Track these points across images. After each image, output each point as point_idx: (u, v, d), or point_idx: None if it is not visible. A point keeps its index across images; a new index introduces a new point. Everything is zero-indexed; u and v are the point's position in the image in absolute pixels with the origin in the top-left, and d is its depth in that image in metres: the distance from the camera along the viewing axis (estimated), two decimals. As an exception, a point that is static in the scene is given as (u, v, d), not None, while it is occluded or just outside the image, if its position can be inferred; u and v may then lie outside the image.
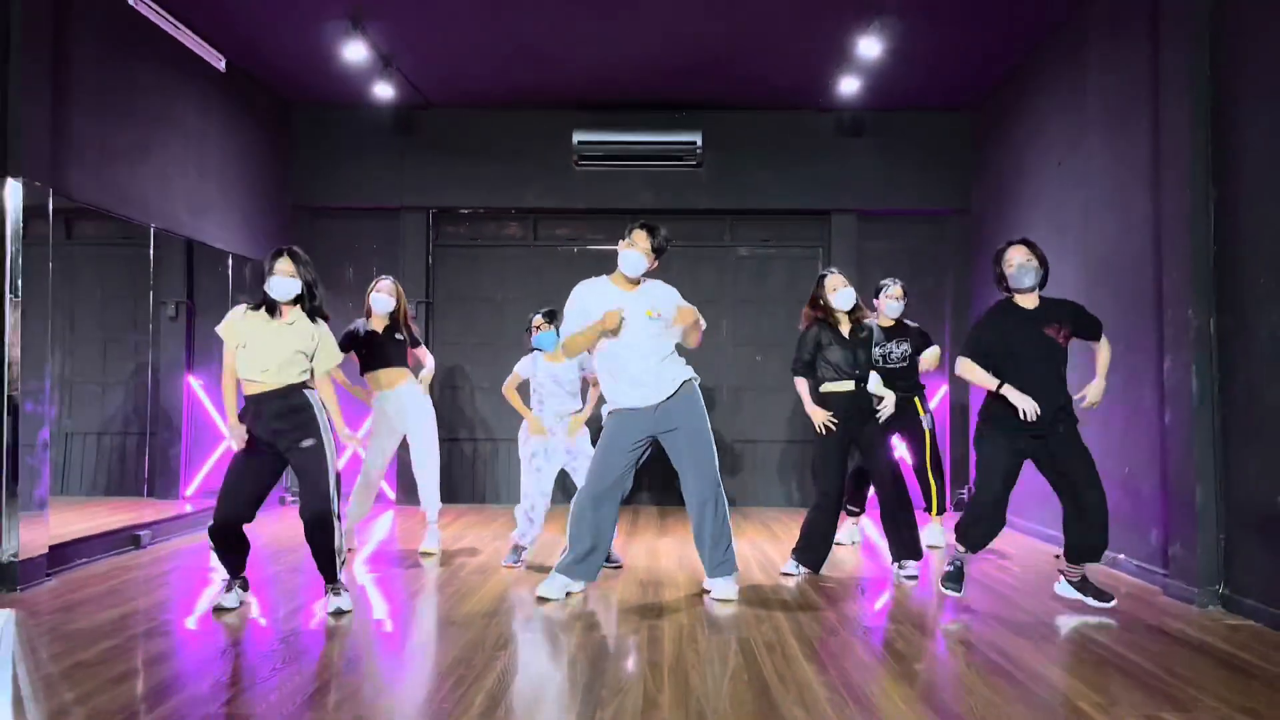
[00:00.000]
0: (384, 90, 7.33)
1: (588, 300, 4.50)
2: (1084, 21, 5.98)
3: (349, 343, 5.71)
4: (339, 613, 4.17)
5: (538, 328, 5.49)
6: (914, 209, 8.25)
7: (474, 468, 8.37)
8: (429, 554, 5.69)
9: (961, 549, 4.46)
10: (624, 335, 4.44)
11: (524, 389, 5.65)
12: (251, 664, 3.45)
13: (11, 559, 4.67)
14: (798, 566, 5.14)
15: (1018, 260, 4.29)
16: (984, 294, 7.88)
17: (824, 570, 5.19)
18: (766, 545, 6.21)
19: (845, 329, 5.09)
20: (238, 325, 4.19)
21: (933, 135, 8.15)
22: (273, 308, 4.20)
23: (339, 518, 4.21)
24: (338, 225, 8.43)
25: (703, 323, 4.59)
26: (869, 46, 6.31)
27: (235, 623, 4.03)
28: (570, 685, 3.24)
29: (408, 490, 8.12)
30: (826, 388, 5.05)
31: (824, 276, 5.16)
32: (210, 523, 4.17)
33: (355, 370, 5.98)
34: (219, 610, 4.18)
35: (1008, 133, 7.33)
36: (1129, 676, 3.36)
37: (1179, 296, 4.72)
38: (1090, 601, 4.40)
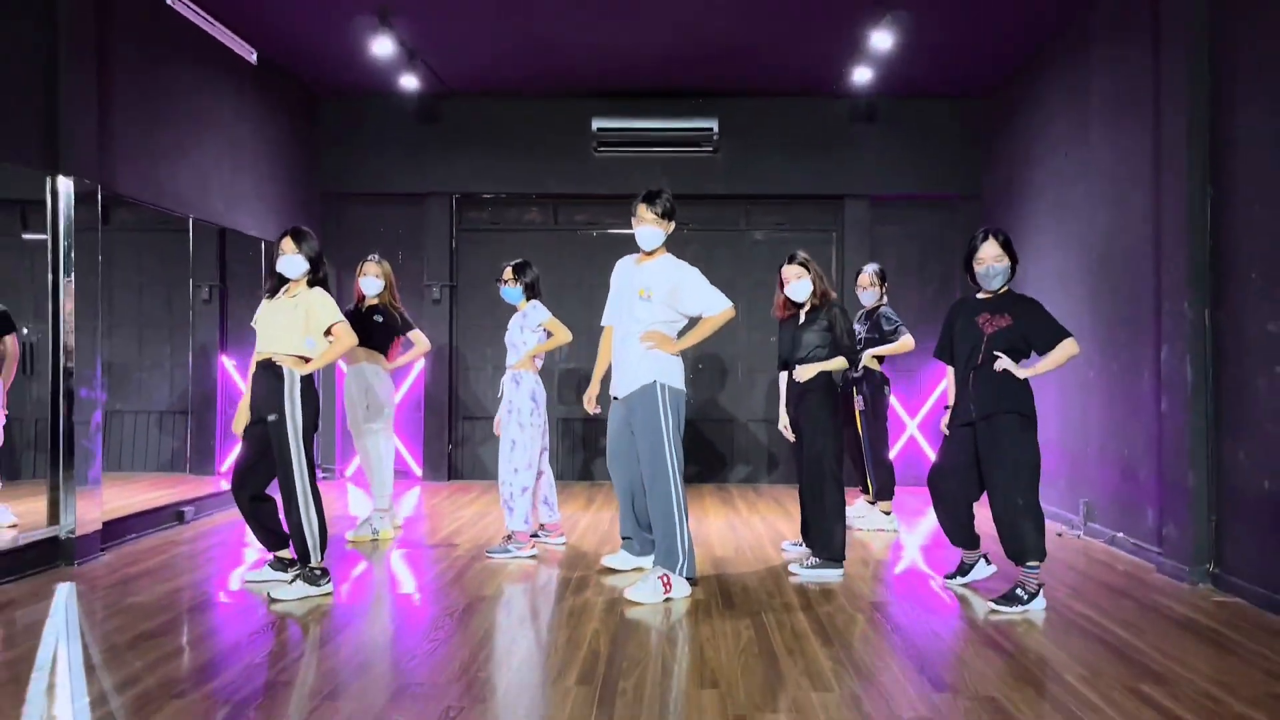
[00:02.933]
0: (409, 80, 7.53)
1: (616, 277, 4.74)
2: (1087, 19, 6.12)
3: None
4: (273, 600, 4.15)
5: (504, 281, 5.60)
6: (925, 194, 8.40)
7: (493, 445, 8.63)
8: (378, 539, 5.67)
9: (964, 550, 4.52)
10: (624, 309, 4.57)
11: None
12: (295, 637, 3.74)
13: (70, 535, 4.98)
14: (800, 545, 5.21)
15: (989, 256, 4.18)
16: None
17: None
18: (779, 522, 6.47)
19: (803, 316, 5.04)
20: (258, 311, 4.44)
21: (944, 122, 8.29)
22: (281, 286, 4.43)
23: (308, 496, 4.22)
24: (364, 211, 8.66)
25: (677, 341, 4.55)
26: (881, 39, 6.46)
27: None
28: (595, 656, 3.50)
29: (433, 466, 8.44)
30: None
31: (781, 267, 5.07)
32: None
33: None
34: (272, 601, 4.18)
35: (1017, 121, 7.47)
36: (1114, 650, 3.60)
37: (1176, 290, 4.90)
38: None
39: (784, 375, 5.12)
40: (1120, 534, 5.57)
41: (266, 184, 7.65)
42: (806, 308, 5.02)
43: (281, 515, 4.38)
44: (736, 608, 4.16)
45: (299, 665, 3.34)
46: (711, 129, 8.09)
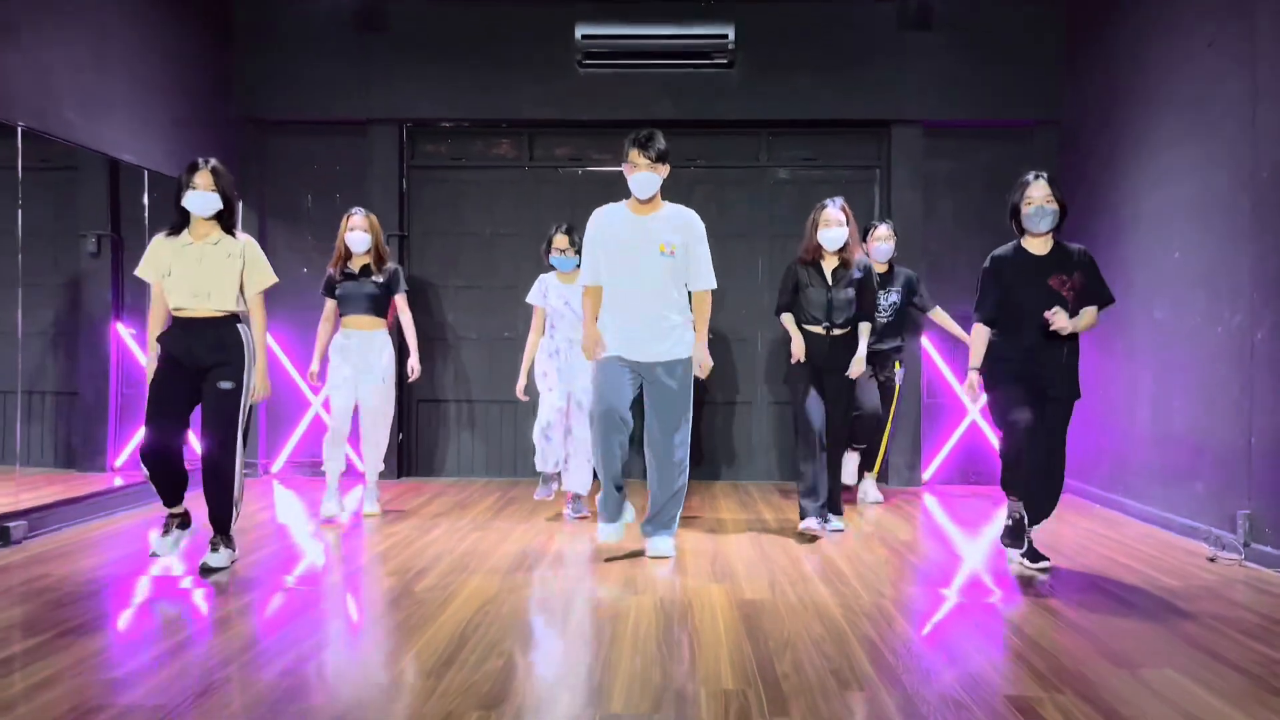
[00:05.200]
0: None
1: (603, 231, 4.39)
2: None
3: (329, 288, 5.58)
4: (207, 569, 4.04)
5: (560, 250, 5.44)
6: (992, 120, 6.82)
7: (456, 435, 7.07)
8: (371, 515, 5.49)
9: (1013, 499, 4.25)
10: (632, 266, 4.31)
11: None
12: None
13: None
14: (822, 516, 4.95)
15: (1039, 197, 4.13)
16: (1073, 230, 6.45)
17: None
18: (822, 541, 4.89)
19: (830, 268, 4.98)
20: (160, 254, 4.12)
21: (1016, 28, 6.70)
22: (185, 226, 4.13)
23: (240, 470, 4.14)
24: (294, 143, 7.06)
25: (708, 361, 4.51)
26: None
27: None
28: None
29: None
30: (804, 328, 5.03)
31: (823, 207, 4.96)
32: (142, 449, 4.03)
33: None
34: (205, 570, 4.01)
35: (1119, 18, 5.84)
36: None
37: None
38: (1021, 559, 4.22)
39: (790, 318, 5.08)
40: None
41: (152, 95, 6.02)
42: (835, 264, 4.96)
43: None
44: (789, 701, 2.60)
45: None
46: (726, 37, 6.51)
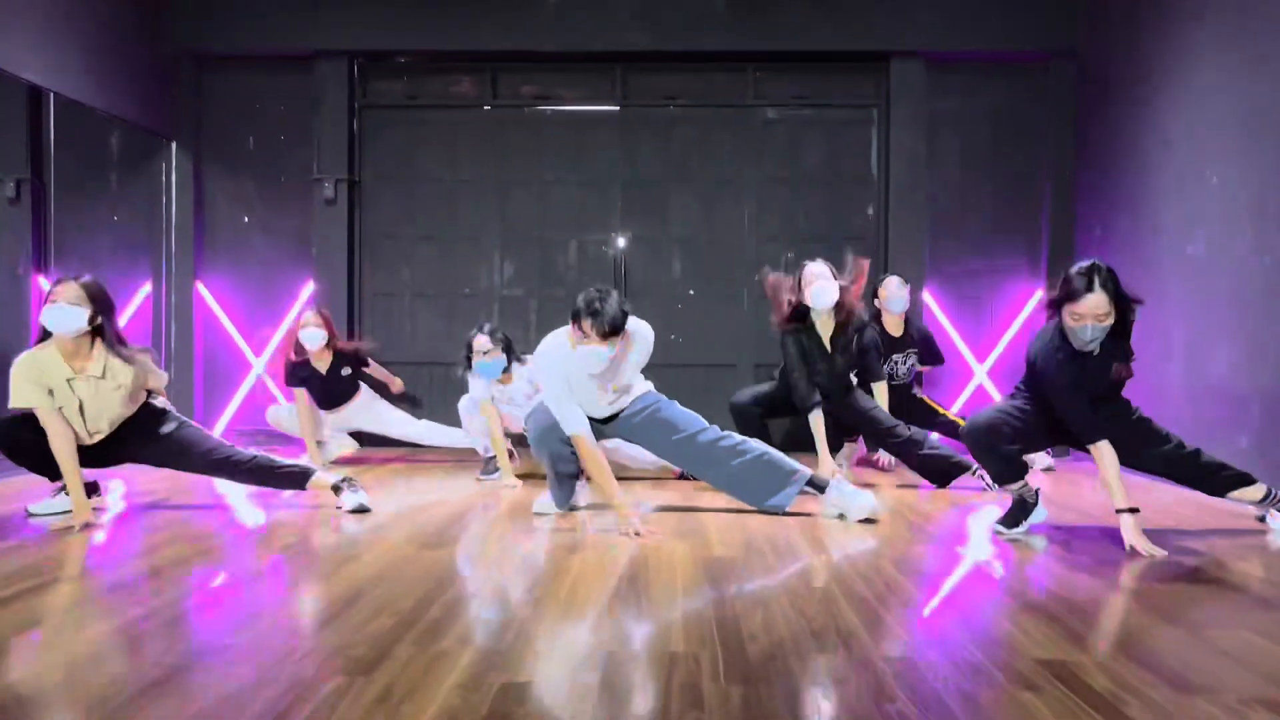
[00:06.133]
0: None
1: (571, 377, 3.68)
2: None
3: (295, 379, 5.31)
4: (359, 510, 3.82)
5: (485, 353, 4.68)
6: (1002, 52, 6.21)
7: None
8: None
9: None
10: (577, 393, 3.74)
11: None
12: None
13: None
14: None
15: (1090, 314, 3.12)
16: (1093, 168, 5.85)
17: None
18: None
19: (827, 333, 4.52)
20: (43, 382, 3.51)
21: (1030, -50, 6.07)
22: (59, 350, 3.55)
23: (239, 458, 3.84)
24: (233, 80, 6.46)
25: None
26: None
27: None
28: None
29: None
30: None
31: (802, 265, 4.52)
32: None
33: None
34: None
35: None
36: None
37: None
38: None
39: (819, 414, 4.50)
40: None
41: (66, 14, 5.37)
42: (831, 327, 4.50)
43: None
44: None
45: None
46: (708, -41, 5.87)
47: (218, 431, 6.40)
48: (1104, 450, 3.20)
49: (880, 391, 4.77)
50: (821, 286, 4.36)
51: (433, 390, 6.45)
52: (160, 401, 3.90)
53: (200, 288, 6.39)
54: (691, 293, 6.47)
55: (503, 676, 1.92)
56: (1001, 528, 3.45)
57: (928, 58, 6.19)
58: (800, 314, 4.47)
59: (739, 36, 6.19)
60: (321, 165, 6.31)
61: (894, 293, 5.11)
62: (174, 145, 6.33)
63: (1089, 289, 3.12)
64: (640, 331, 3.76)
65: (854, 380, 4.65)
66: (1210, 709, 1.77)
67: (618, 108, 6.40)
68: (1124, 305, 3.18)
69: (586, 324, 3.54)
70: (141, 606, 2.44)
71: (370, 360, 5.57)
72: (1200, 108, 4.77)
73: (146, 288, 6.34)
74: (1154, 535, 3.27)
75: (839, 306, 4.43)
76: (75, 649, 2.09)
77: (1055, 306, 3.24)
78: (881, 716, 1.73)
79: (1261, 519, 3.64)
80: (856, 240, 6.22)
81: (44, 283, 5.83)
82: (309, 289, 6.30)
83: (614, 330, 3.54)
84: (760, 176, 6.40)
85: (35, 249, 6.07)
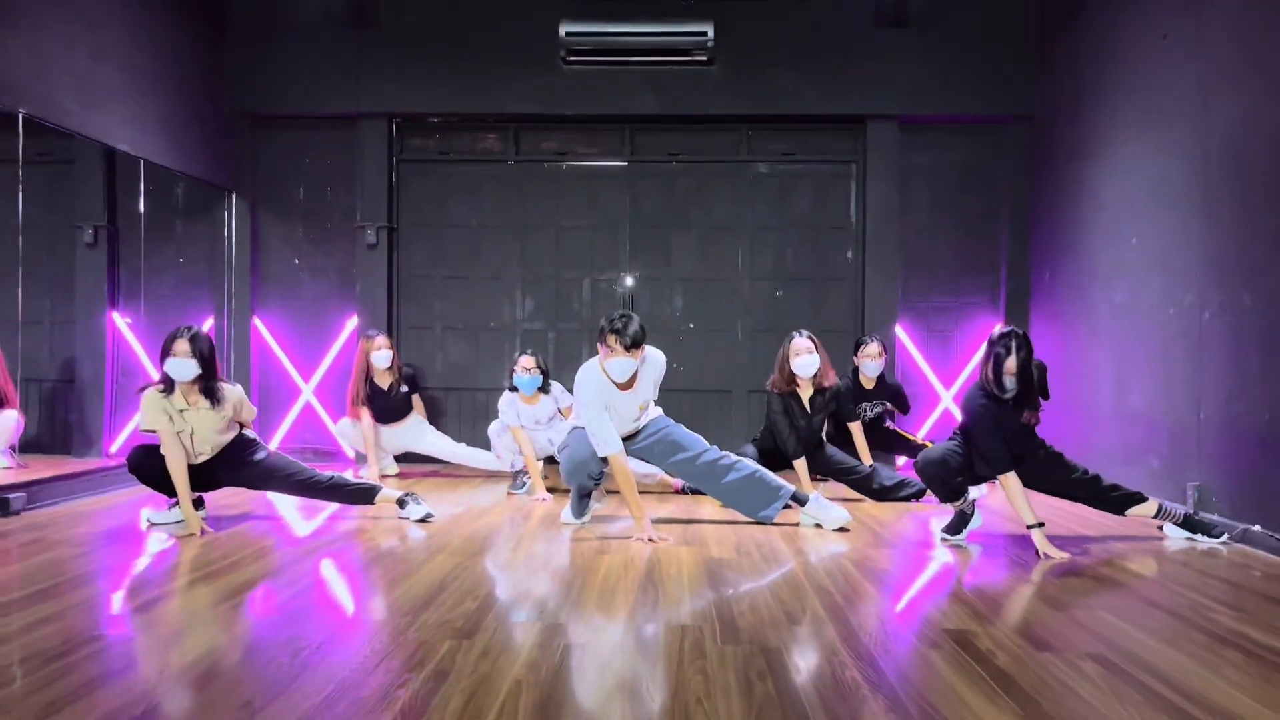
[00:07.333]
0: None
1: (606, 399, 4.37)
2: None
3: (363, 398, 6.32)
4: (426, 518, 4.65)
5: (527, 370, 5.62)
6: (967, 115, 7.03)
7: (442, 422, 7.25)
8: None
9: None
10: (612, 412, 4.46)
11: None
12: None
13: None
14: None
15: (1014, 369, 3.99)
16: (1044, 220, 6.69)
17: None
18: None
19: (806, 396, 5.28)
20: (166, 410, 4.34)
21: (990, 25, 6.92)
22: (172, 387, 4.37)
23: (316, 479, 4.63)
24: (285, 136, 7.28)
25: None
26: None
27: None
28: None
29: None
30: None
31: (790, 338, 5.26)
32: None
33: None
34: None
35: (1086, 14, 6.08)
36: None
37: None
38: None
39: (803, 460, 5.33)
40: (1257, 527, 4.20)
41: (147, 86, 6.22)
42: (811, 391, 5.27)
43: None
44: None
45: None
46: (706, 34, 6.72)
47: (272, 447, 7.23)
48: (1010, 480, 4.02)
49: (856, 430, 5.74)
50: (805, 360, 5.15)
51: (461, 413, 7.30)
52: (249, 433, 4.72)
53: (257, 321, 7.22)
54: (691, 326, 7.30)
55: (565, 640, 2.74)
56: (946, 535, 4.30)
57: (901, 120, 7.02)
58: (791, 378, 5.24)
59: (734, 101, 7.02)
60: (364, 213, 7.15)
61: (871, 359, 5.81)
62: (233, 195, 7.16)
63: (1015, 350, 3.98)
64: (653, 355, 4.53)
65: (824, 438, 5.48)
66: (1055, 660, 2.59)
67: (626, 162, 7.24)
68: (1027, 369, 3.98)
69: (612, 339, 4.26)
70: (291, 590, 3.26)
71: (419, 384, 6.67)
72: (1126, 175, 5.60)
73: (209, 321, 7.16)
74: (1066, 540, 4.10)
75: (817, 374, 5.21)
76: (266, 614, 2.91)
77: (991, 365, 4.01)
78: (828, 665, 2.55)
79: (1160, 528, 4.48)
80: (837, 281, 7.10)
81: (118, 318, 6.64)
82: (352, 323, 7.13)
83: (635, 343, 4.27)
84: (753, 223, 7.24)
85: (110, 288, 6.89)
